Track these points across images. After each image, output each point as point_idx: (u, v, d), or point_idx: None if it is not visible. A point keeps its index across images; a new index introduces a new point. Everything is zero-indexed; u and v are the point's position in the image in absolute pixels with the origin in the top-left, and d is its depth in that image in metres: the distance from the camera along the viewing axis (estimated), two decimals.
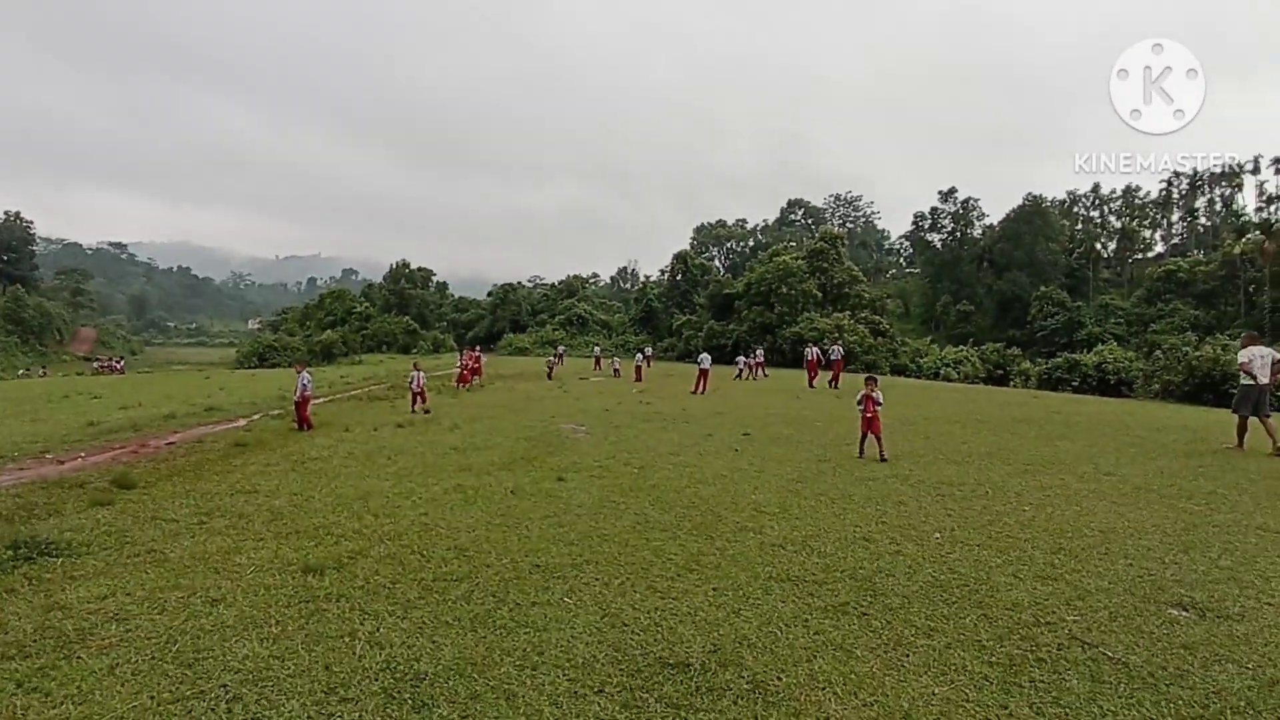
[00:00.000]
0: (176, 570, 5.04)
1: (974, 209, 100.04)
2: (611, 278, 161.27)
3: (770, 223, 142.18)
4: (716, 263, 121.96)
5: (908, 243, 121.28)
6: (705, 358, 24.70)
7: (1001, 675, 3.47)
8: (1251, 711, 3.12)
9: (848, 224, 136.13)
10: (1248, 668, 3.51)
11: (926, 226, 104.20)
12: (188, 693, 3.32)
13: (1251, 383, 10.69)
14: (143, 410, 16.42)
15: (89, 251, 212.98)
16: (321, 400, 19.28)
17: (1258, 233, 75.66)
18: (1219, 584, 4.74)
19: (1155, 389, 24.97)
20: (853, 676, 3.47)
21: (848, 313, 56.32)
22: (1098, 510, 6.82)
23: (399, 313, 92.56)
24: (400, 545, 5.64)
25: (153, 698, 3.28)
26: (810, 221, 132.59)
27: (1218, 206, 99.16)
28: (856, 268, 67.49)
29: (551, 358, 31.99)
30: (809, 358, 26.14)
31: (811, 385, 24.27)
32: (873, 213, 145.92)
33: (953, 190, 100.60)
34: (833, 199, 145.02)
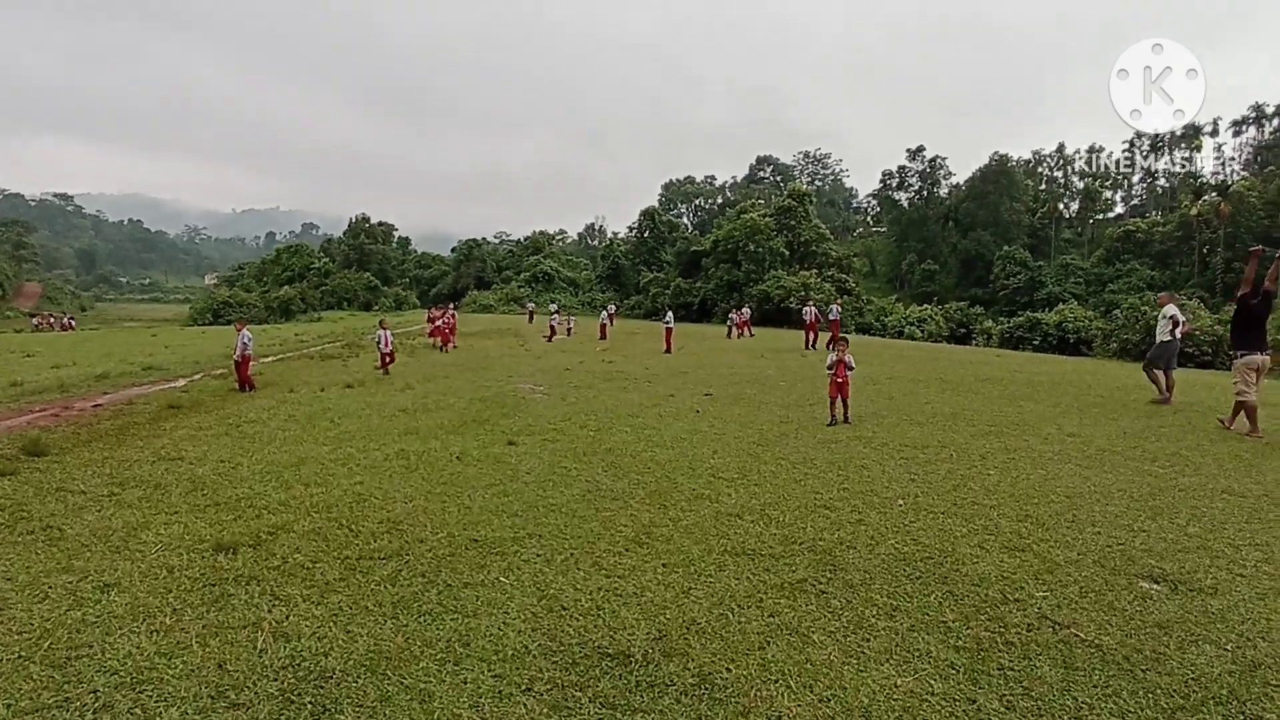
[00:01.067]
0: (71, 550, 4.54)
1: (941, 168, 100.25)
2: (579, 234, 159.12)
3: (739, 180, 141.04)
4: (685, 220, 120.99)
5: (875, 201, 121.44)
6: (669, 316, 24.38)
7: (969, 662, 3.20)
8: (1235, 701, 2.88)
9: (816, 182, 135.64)
10: (1226, 649, 3.29)
11: (894, 185, 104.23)
12: (50, 700, 2.88)
13: (1170, 339, 11.01)
14: (75, 370, 15.52)
15: (32, 203, 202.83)
16: (270, 359, 18.50)
17: (1214, 194, 77.08)
18: (1190, 553, 4.55)
19: (1113, 348, 25.28)
20: (808, 666, 3.17)
21: (814, 271, 56.20)
22: (1063, 474, 6.64)
23: (359, 268, 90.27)
24: (328, 518, 5.20)
25: (9, 706, 2.84)
26: (779, 179, 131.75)
27: (1177, 168, 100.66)
28: (824, 226, 67.32)
29: (556, 318, 29.37)
30: (808, 318, 24.82)
31: (810, 347, 22.91)
32: (841, 171, 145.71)
33: (921, 149, 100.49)
34: (802, 156, 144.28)
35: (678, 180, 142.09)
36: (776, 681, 3.05)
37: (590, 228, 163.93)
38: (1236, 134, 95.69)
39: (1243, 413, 8.71)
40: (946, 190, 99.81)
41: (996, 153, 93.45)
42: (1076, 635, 3.43)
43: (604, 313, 31.23)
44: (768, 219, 61.12)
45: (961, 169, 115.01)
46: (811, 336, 23.74)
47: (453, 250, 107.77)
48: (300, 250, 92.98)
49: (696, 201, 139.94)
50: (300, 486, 6.06)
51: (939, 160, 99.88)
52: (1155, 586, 4.04)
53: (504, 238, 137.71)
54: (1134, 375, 16.19)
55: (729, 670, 3.13)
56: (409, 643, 3.34)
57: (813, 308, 25.34)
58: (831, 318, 23.82)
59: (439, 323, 23.70)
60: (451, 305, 29.58)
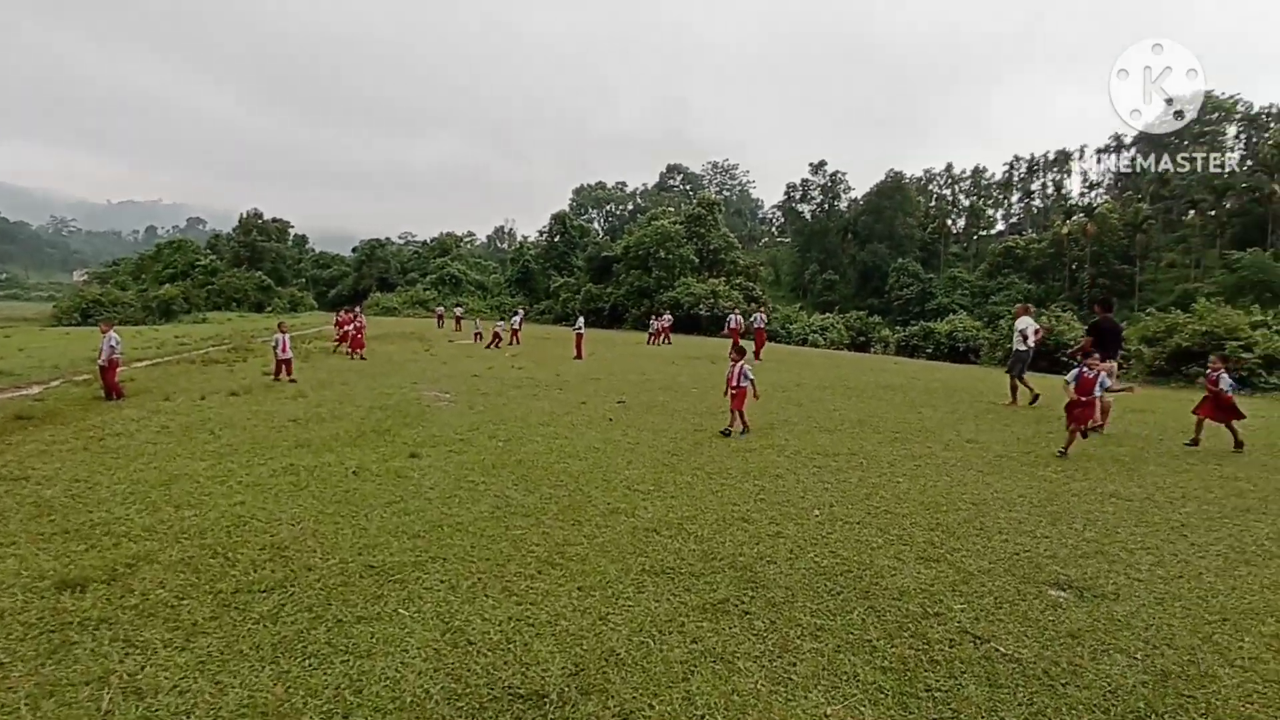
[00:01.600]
0: None
1: (841, 182, 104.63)
2: (488, 237, 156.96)
3: (650, 187, 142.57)
4: (596, 225, 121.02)
5: (779, 212, 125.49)
6: (580, 321, 24.10)
7: (896, 684, 3.10)
8: (1153, 714, 2.90)
9: (724, 191, 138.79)
10: (1137, 658, 3.34)
11: (797, 197, 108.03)
12: None
13: (1025, 348, 12.35)
14: None
15: None
16: (144, 364, 16.96)
17: (1081, 215, 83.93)
18: (1089, 558, 4.69)
19: (999, 356, 26.90)
20: (735, 698, 2.99)
21: (723, 278, 57.25)
22: (967, 480, 6.82)
23: (250, 267, 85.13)
24: (201, 545, 4.64)
25: None
26: (689, 187, 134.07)
27: (1049, 190, 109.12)
28: (732, 235, 68.72)
29: (500, 324, 27.16)
30: (731, 324, 23.97)
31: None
32: (748, 182, 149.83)
33: (823, 163, 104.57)
34: (710, 166, 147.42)
35: (589, 185, 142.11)
36: (703, 717, 2.85)
37: (500, 230, 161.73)
38: (1100, 160, 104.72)
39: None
40: (846, 204, 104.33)
41: (891, 170, 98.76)
42: (997, 650, 3.41)
43: (515, 317, 30.43)
44: (678, 226, 61.76)
45: (860, 184, 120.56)
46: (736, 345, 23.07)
47: (354, 250, 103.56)
48: (184, 246, 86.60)
49: (608, 207, 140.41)
50: (169, 509, 5.41)
51: (839, 175, 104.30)
52: (1063, 594, 4.12)
53: (409, 238, 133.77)
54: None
55: (652, 707, 2.91)
56: (290, 693, 2.94)
57: (738, 316, 24.93)
58: (756, 326, 23.30)
59: (348, 328, 21.42)
60: (358, 308, 26.94)
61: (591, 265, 68.35)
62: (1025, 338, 12.32)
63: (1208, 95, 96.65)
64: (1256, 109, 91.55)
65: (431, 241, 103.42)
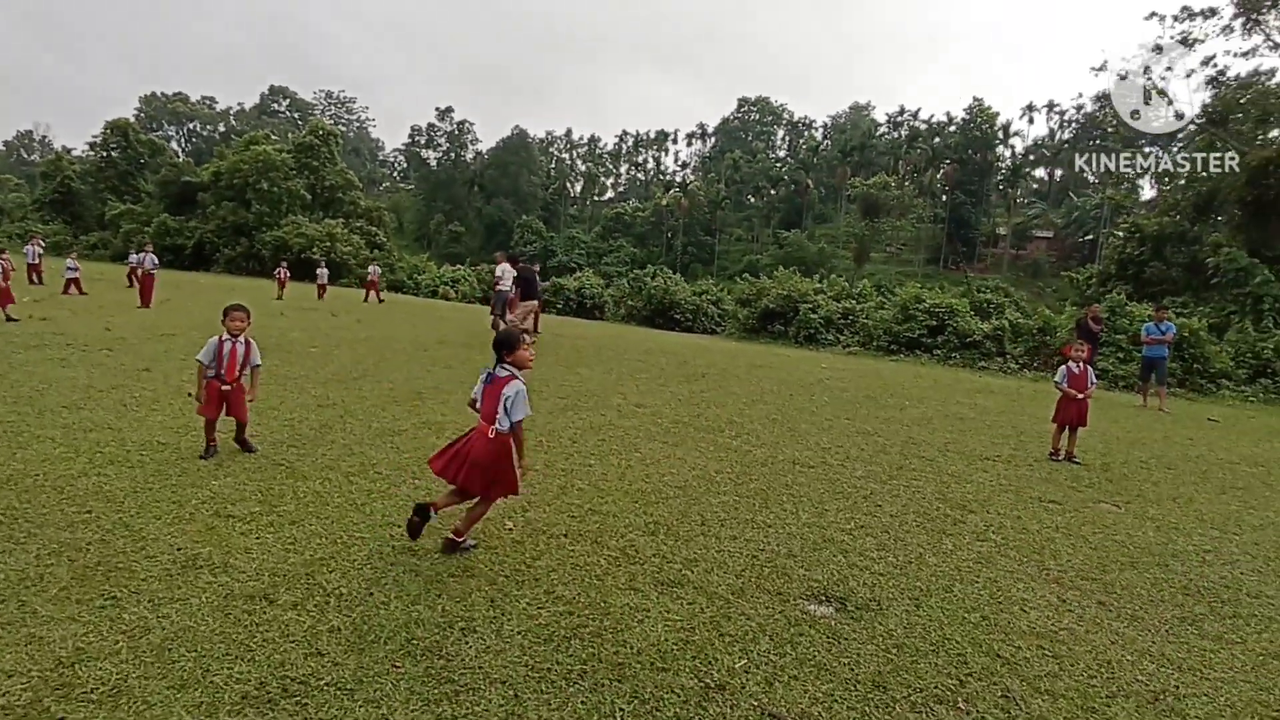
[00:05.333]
0: None
1: (469, 132, 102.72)
2: (5, 143, 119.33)
3: (247, 108, 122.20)
4: (174, 144, 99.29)
5: (403, 157, 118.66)
6: (147, 258, 18.55)
7: None
8: None
9: (341, 125, 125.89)
10: (960, 707, 2.66)
11: (423, 143, 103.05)
12: None
13: (503, 289, 14.02)
14: None
15: None
16: None
17: (677, 190, 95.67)
18: (821, 550, 4.14)
19: (622, 313, 28.53)
20: None
21: (341, 220, 51.33)
22: (656, 455, 6.07)
23: None
24: None
25: None
26: (297, 115, 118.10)
27: (650, 165, 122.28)
28: (351, 172, 62.02)
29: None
30: (371, 276, 18.90)
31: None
32: (368, 119, 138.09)
33: (450, 109, 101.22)
34: (324, 95, 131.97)
35: (164, 95, 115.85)
36: None
37: (25, 136, 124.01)
38: (690, 144, 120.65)
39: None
40: (473, 155, 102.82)
41: (517, 126, 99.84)
42: None
43: (31, 248, 21.98)
44: (285, 155, 53.27)
45: (488, 137, 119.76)
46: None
47: None
48: None
49: (191, 125, 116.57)
50: None
51: (467, 124, 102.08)
52: (827, 610, 3.39)
53: None
54: (651, 339, 18.00)
55: None
56: None
57: (376, 266, 19.70)
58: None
59: None
60: None
61: (167, 191, 55.48)
62: (501, 280, 14.24)
63: (765, 101, 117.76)
64: (797, 117, 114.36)
65: None
